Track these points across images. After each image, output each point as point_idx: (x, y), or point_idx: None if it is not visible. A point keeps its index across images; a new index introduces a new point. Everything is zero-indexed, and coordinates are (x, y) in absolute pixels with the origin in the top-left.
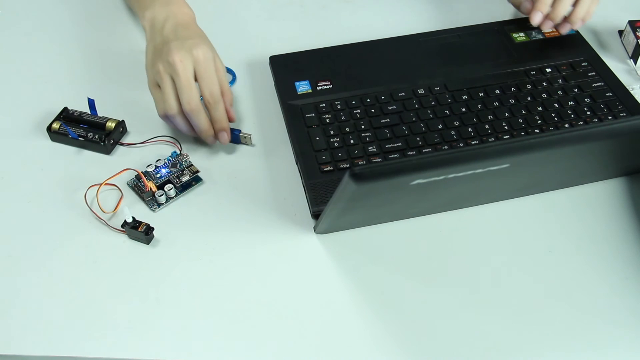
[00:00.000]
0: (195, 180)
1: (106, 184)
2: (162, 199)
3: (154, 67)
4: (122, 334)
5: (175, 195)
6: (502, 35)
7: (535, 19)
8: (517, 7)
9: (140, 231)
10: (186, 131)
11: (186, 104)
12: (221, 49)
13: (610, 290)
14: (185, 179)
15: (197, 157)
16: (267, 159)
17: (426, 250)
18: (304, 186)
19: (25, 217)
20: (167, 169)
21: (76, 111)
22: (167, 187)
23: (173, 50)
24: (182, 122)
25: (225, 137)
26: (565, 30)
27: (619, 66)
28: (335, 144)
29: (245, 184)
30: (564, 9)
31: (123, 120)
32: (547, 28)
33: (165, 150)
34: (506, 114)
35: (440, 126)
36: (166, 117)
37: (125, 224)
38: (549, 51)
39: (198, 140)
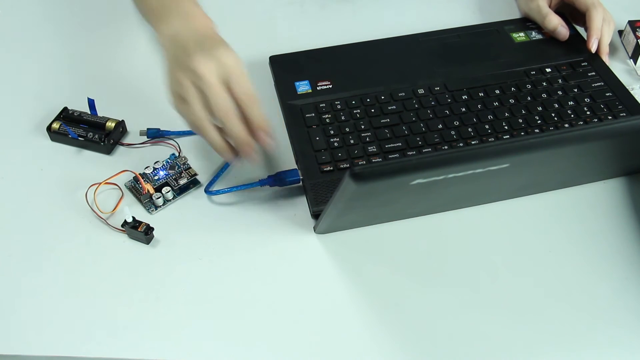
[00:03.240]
0: (193, 183)
1: (106, 183)
2: (160, 201)
3: (174, 78)
4: (122, 334)
5: (173, 198)
6: (502, 35)
7: (594, 47)
8: (533, 17)
9: (140, 231)
10: (221, 147)
11: (219, 111)
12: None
13: (610, 290)
14: (183, 181)
15: (196, 160)
16: (266, 159)
17: (426, 250)
18: (304, 186)
19: (25, 217)
20: (165, 172)
21: (76, 111)
22: (164, 189)
23: (195, 57)
24: (215, 134)
25: (268, 139)
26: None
27: (619, 66)
28: (335, 144)
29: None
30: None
31: (123, 120)
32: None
33: (166, 152)
34: (506, 114)
35: (440, 126)
36: (199, 131)
37: (125, 223)
38: (549, 51)
39: (197, 141)
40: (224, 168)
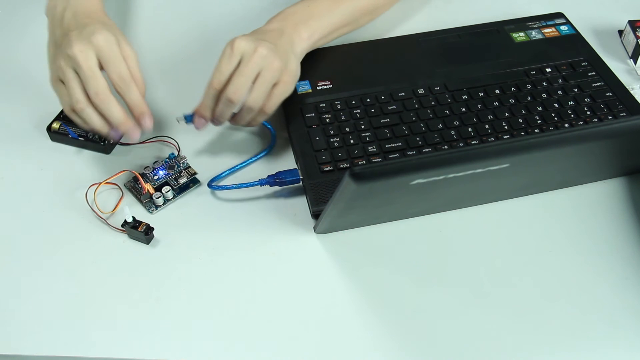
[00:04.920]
0: (193, 182)
1: (106, 183)
2: (160, 201)
3: (55, 63)
4: (122, 334)
5: (173, 197)
6: (502, 35)
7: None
8: None
9: (140, 231)
10: (100, 126)
11: (94, 95)
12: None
13: (610, 290)
14: (182, 181)
15: (195, 159)
16: (266, 159)
17: (426, 250)
18: (304, 186)
19: (25, 217)
20: (164, 171)
21: None
22: (164, 189)
23: (72, 42)
24: (94, 115)
25: (148, 121)
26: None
27: (619, 66)
28: (335, 144)
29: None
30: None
31: None
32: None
33: (165, 151)
34: (506, 114)
35: (440, 126)
36: (74, 113)
37: (125, 223)
38: (549, 51)
39: (197, 142)
40: (234, 168)
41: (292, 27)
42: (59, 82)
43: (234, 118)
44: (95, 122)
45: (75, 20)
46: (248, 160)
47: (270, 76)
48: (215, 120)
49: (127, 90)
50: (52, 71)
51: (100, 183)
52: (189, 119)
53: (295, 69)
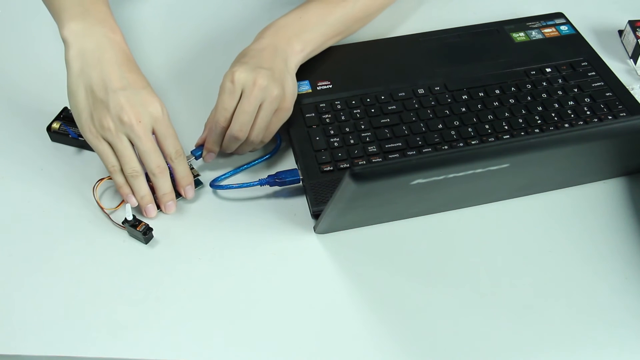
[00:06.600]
0: (196, 183)
1: (110, 178)
2: None
3: (99, 121)
4: (122, 334)
5: (176, 198)
6: (502, 35)
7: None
8: None
9: (138, 230)
10: (146, 195)
11: (155, 168)
12: (220, 49)
13: (610, 290)
14: None
15: (199, 161)
16: (266, 159)
17: (426, 250)
18: (304, 186)
19: (25, 217)
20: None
21: None
22: None
23: (126, 107)
24: (144, 184)
25: (192, 191)
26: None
27: (619, 66)
28: (335, 144)
29: None
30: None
31: None
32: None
33: None
34: (506, 114)
35: (440, 126)
36: (118, 175)
37: (125, 221)
38: (549, 51)
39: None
40: (237, 169)
41: (285, 42)
42: (101, 139)
43: (235, 149)
44: (144, 191)
45: (119, 73)
46: (251, 162)
47: (271, 108)
48: (221, 151)
49: (179, 162)
50: (88, 126)
51: (103, 179)
52: (197, 154)
53: (292, 90)
